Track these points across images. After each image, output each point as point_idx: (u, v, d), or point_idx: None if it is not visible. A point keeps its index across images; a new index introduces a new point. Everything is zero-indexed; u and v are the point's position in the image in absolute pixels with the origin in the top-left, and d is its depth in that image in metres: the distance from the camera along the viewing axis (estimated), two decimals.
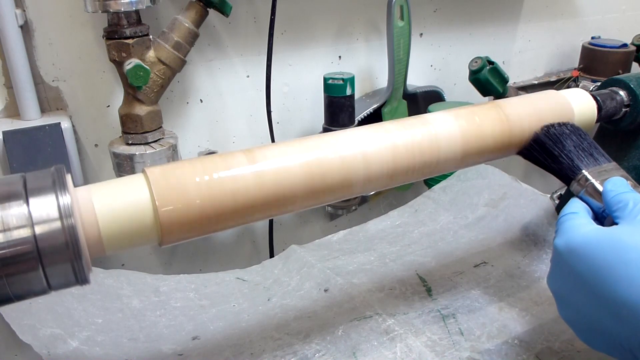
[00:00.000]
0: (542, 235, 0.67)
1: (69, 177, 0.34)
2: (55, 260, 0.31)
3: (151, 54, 0.64)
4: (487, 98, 0.87)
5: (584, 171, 0.46)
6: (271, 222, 0.86)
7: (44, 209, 0.31)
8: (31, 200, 0.31)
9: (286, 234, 0.92)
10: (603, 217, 0.44)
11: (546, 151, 0.49)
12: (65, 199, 0.32)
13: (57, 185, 0.32)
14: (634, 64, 1.03)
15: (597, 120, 0.56)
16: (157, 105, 0.67)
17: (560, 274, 0.40)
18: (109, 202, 0.34)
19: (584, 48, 1.04)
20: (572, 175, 0.47)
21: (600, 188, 0.44)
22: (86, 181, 0.73)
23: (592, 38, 1.06)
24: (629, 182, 0.44)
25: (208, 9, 0.67)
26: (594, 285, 0.36)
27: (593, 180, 0.45)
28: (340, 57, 0.88)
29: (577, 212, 0.42)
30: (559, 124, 0.50)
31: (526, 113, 0.50)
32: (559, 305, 0.41)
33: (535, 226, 0.68)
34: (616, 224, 0.40)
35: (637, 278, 0.34)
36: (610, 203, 0.42)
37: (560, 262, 0.40)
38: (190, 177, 0.37)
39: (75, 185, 0.34)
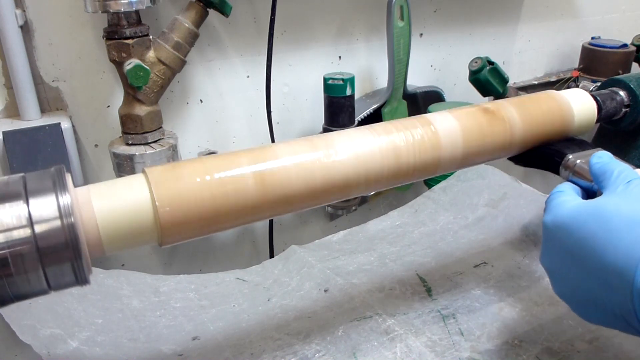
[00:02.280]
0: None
1: (69, 177, 0.34)
2: (55, 261, 0.31)
3: (151, 54, 0.64)
4: (487, 98, 0.87)
5: (569, 155, 0.48)
6: (271, 222, 0.86)
7: (44, 209, 0.31)
8: (31, 201, 0.31)
9: (286, 234, 0.92)
10: (594, 193, 0.44)
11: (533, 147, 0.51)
12: (65, 199, 0.32)
13: (57, 186, 0.32)
14: (634, 64, 1.03)
15: (597, 121, 0.56)
16: (157, 106, 0.67)
17: (551, 251, 0.41)
18: (109, 202, 0.34)
19: (584, 48, 1.04)
20: (560, 160, 0.49)
21: (586, 167, 0.45)
22: (86, 181, 0.73)
23: (592, 38, 1.06)
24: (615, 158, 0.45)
25: (208, 9, 0.67)
26: (583, 257, 0.37)
27: (579, 161, 0.47)
28: (340, 57, 0.88)
29: (564, 191, 0.43)
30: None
31: (526, 113, 0.50)
32: (553, 282, 0.42)
33: (535, 226, 0.67)
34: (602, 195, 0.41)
35: (621, 245, 0.35)
36: (597, 174, 0.43)
37: (550, 238, 0.41)
38: (190, 177, 0.37)
39: (75, 186, 0.34)
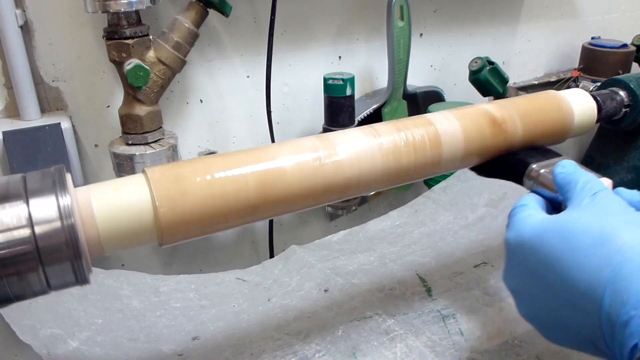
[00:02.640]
0: None
1: (69, 178, 0.34)
2: (55, 261, 0.31)
3: (151, 54, 0.64)
4: (487, 98, 0.87)
5: (532, 165, 0.46)
6: (271, 222, 0.86)
7: (44, 209, 0.31)
8: (31, 201, 0.31)
9: (286, 234, 0.92)
10: (560, 204, 0.42)
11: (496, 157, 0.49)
12: (65, 199, 0.32)
13: (57, 186, 0.32)
14: (634, 64, 1.03)
15: (597, 121, 0.56)
16: (157, 106, 0.67)
17: (515, 270, 0.39)
18: (109, 202, 0.34)
19: (584, 48, 1.04)
20: (523, 169, 0.46)
21: (551, 177, 0.43)
22: (86, 181, 0.73)
23: (592, 38, 1.06)
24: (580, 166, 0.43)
25: (208, 9, 0.67)
26: (547, 276, 0.35)
27: (543, 170, 0.45)
28: (340, 57, 0.88)
29: (526, 204, 0.41)
30: None
31: (526, 113, 0.50)
32: (517, 303, 0.39)
33: None
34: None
35: (588, 265, 0.33)
36: (561, 185, 0.41)
37: (512, 257, 0.39)
38: (190, 177, 0.37)
39: (75, 186, 0.34)
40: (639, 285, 0.30)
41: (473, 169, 0.50)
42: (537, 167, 0.45)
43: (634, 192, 0.39)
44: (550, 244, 0.35)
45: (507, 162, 0.48)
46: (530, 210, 0.40)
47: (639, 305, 0.30)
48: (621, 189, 0.40)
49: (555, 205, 0.43)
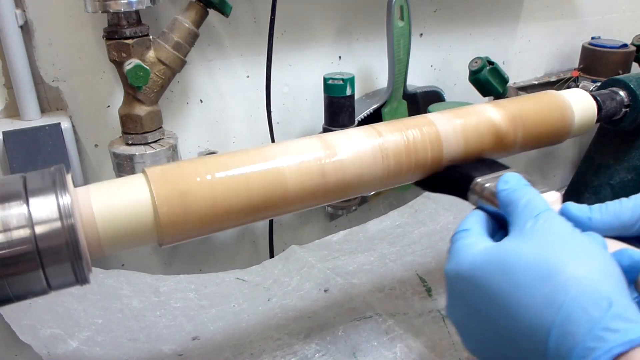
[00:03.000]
0: None
1: (69, 177, 0.34)
2: (55, 260, 0.32)
3: (151, 54, 0.64)
4: (487, 98, 0.87)
5: (477, 178, 0.42)
6: (271, 222, 0.86)
7: (44, 209, 0.31)
8: (31, 201, 0.31)
9: (286, 234, 0.92)
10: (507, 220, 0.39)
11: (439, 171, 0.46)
12: (65, 199, 0.32)
13: (57, 186, 0.32)
14: (634, 64, 1.03)
15: (597, 121, 0.56)
16: (157, 106, 0.67)
17: (456, 304, 0.36)
18: (109, 202, 0.34)
19: (584, 48, 1.04)
20: (467, 184, 0.42)
21: (495, 191, 0.40)
22: (86, 181, 0.73)
23: (592, 38, 1.06)
24: (525, 176, 0.40)
25: (208, 9, 0.67)
26: (489, 313, 0.32)
27: (487, 184, 0.41)
28: (340, 57, 0.88)
29: (469, 229, 0.37)
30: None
31: (527, 113, 0.50)
32: (461, 337, 0.36)
33: None
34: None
35: (529, 302, 0.30)
36: (504, 203, 0.37)
37: (453, 290, 0.36)
38: (190, 177, 0.37)
39: (75, 186, 0.34)
40: (584, 329, 0.28)
41: (417, 184, 0.47)
42: (482, 181, 0.42)
43: (583, 206, 0.37)
44: (491, 279, 0.32)
45: (450, 175, 0.45)
46: (471, 237, 0.36)
47: (587, 354, 0.27)
48: (569, 204, 0.37)
49: (502, 222, 0.39)
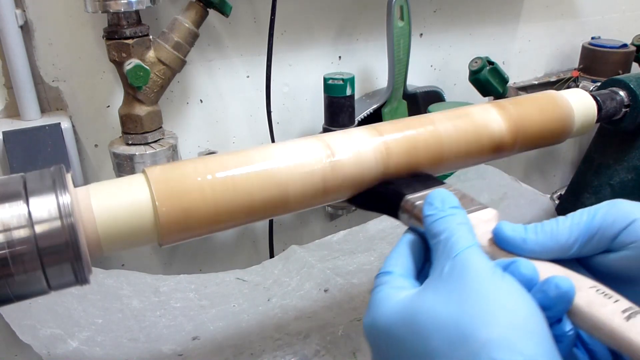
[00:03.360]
0: None
1: (68, 177, 0.34)
2: (56, 260, 0.31)
3: (151, 54, 0.64)
4: (487, 98, 0.87)
5: (407, 196, 0.38)
6: (271, 222, 0.86)
7: (44, 209, 0.31)
8: (31, 200, 0.31)
9: (286, 234, 0.92)
10: None
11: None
12: (65, 199, 0.32)
13: (57, 185, 0.32)
14: (634, 64, 1.03)
15: (597, 121, 0.56)
16: (157, 106, 0.67)
17: (377, 358, 0.32)
18: (109, 202, 0.34)
19: (584, 48, 1.04)
20: (398, 201, 0.38)
21: None
22: (86, 181, 0.73)
23: (592, 38, 1.06)
24: (456, 192, 0.36)
25: (208, 9, 0.67)
26: None
27: (419, 202, 0.37)
28: (340, 57, 0.88)
29: (391, 272, 0.33)
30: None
31: (527, 113, 0.50)
32: None
33: None
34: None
35: None
36: (427, 235, 0.33)
37: (372, 345, 0.32)
38: (190, 176, 0.36)
39: (75, 186, 0.34)
40: None
41: (348, 201, 0.43)
42: (412, 199, 0.37)
43: (517, 227, 0.33)
44: (405, 340, 0.29)
45: (380, 192, 0.41)
46: (391, 283, 0.32)
47: None
48: (503, 225, 0.33)
49: None
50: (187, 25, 0.66)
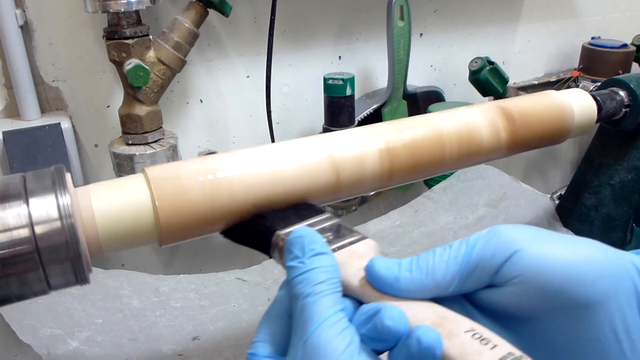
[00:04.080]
0: None
1: (68, 177, 0.34)
2: (55, 260, 0.31)
3: (151, 54, 0.64)
4: (487, 98, 0.87)
5: (278, 231, 0.33)
6: None
7: (43, 209, 0.31)
8: (31, 200, 0.31)
9: None
10: None
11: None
12: (65, 199, 0.32)
13: (57, 185, 0.32)
14: (634, 64, 1.03)
15: (597, 121, 0.56)
16: (157, 106, 0.67)
17: None
18: (109, 202, 0.34)
19: (584, 48, 1.04)
20: (269, 237, 0.33)
21: None
22: (86, 181, 0.73)
23: (592, 38, 1.06)
24: (330, 226, 0.33)
25: (208, 9, 0.67)
26: None
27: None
28: (340, 57, 0.88)
29: (255, 354, 0.28)
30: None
31: (527, 113, 0.50)
32: None
33: (535, 226, 0.68)
34: None
35: None
36: (289, 294, 0.29)
37: None
38: (190, 176, 0.36)
39: (75, 186, 0.34)
40: None
41: (223, 233, 0.39)
42: (284, 235, 0.32)
43: (392, 264, 0.28)
44: None
45: (251, 227, 0.37)
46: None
47: None
48: (377, 261, 0.28)
49: None
50: (187, 25, 0.66)
